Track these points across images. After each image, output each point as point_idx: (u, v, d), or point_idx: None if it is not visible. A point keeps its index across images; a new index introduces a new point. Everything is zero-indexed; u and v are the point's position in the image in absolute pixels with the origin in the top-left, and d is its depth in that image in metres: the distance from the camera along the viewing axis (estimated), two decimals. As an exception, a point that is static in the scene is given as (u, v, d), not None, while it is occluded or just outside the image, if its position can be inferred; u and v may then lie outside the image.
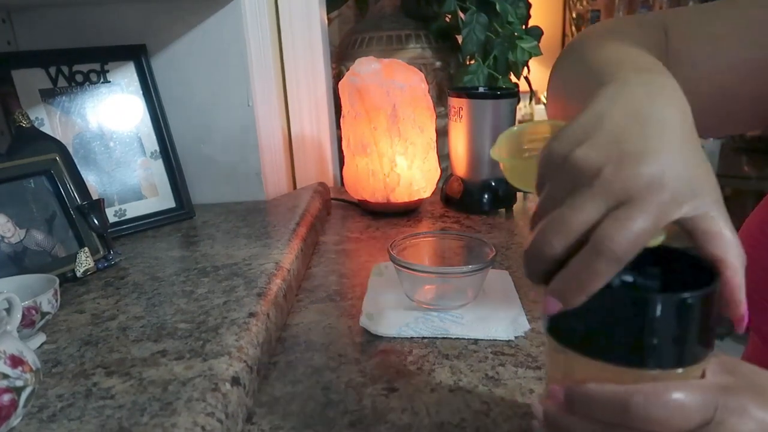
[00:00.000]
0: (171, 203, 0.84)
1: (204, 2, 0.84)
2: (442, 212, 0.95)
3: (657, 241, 0.31)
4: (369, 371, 0.49)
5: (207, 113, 0.89)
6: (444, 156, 1.02)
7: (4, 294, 0.40)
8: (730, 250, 0.29)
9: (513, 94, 0.91)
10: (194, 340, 0.48)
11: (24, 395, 0.36)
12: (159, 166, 0.84)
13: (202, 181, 0.91)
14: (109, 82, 0.81)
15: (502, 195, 0.92)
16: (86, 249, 0.64)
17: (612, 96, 0.33)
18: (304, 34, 1.02)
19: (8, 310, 0.41)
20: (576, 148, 0.30)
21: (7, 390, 0.35)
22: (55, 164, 0.66)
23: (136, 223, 0.80)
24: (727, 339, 1.85)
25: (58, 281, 0.51)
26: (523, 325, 0.55)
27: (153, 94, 0.84)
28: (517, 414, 0.42)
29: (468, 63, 1.40)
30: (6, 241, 0.59)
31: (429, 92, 0.92)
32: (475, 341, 0.53)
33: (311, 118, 1.07)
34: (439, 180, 0.97)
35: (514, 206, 0.95)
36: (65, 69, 0.78)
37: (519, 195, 0.98)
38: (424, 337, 0.54)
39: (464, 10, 1.35)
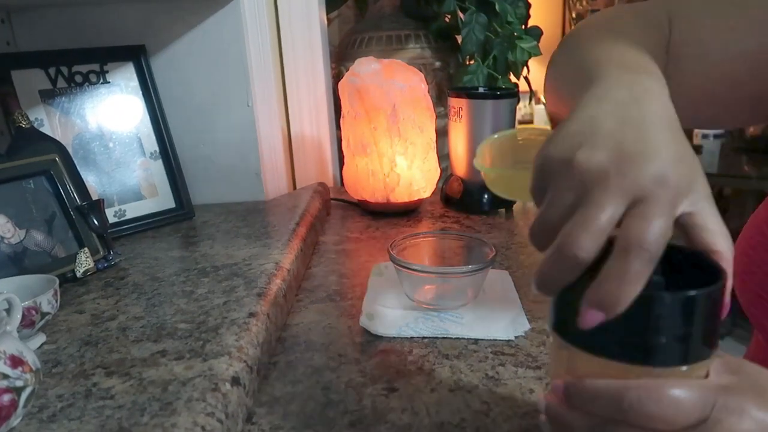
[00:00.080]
0: (171, 203, 0.84)
1: (204, 2, 0.84)
2: (442, 212, 0.95)
3: None
4: (369, 371, 0.49)
5: (207, 113, 0.89)
6: (444, 156, 1.02)
7: (4, 294, 0.40)
8: (724, 242, 0.30)
9: (513, 94, 0.91)
10: (194, 340, 0.48)
11: (24, 395, 0.36)
12: (159, 166, 0.84)
13: (202, 182, 0.91)
14: (109, 82, 0.81)
15: (502, 195, 0.92)
16: (86, 249, 0.64)
17: (598, 99, 0.33)
18: (304, 34, 1.02)
19: (8, 311, 0.41)
20: (576, 151, 0.30)
21: (7, 390, 0.35)
22: (55, 165, 0.66)
23: (136, 224, 0.80)
24: (728, 338, 1.86)
25: (57, 281, 0.51)
26: (523, 325, 0.55)
27: (153, 95, 0.84)
28: (517, 414, 0.42)
29: (468, 63, 1.40)
30: (6, 241, 0.59)
31: (429, 92, 0.92)
32: (475, 341, 0.53)
33: (311, 118, 1.07)
34: (439, 180, 0.97)
35: (514, 206, 0.95)
36: (65, 69, 0.78)
37: (519, 195, 0.98)
38: (424, 337, 0.54)
39: (464, 10, 1.35)
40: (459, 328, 0.55)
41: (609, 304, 0.28)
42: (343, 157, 0.98)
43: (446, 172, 1.01)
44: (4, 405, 0.34)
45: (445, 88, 1.38)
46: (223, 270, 0.63)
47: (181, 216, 0.84)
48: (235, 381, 0.43)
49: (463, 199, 0.93)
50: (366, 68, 0.87)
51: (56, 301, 0.50)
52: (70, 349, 0.48)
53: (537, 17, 1.49)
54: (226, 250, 0.70)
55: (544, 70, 0.53)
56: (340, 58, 1.44)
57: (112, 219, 0.76)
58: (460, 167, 0.94)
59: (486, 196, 0.91)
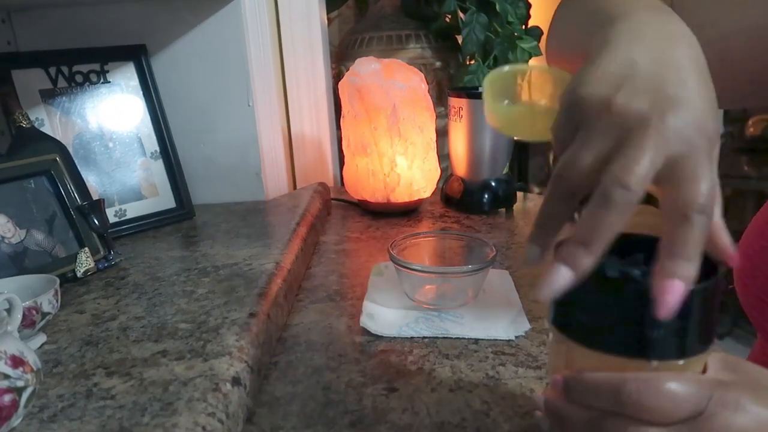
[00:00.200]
0: (171, 203, 0.84)
1: (204, 2, 0.84)
2: (442, 212, 0.95)
3: None
4: (369, 371, 0.49)
5: (207, 113, 0.89)
6: (444, 156, 1.02)
7: (5, 294, 0.40)
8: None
9: (513, 94, 0.91)
10: (195, 340, 0.48)
11: (25, 395, 0.36)
12: (159, 166, 0.84)
13: (202, 181, 0.91)
14: (109, 82, 0.81)
15: (502, 195, 0.92)
16: (86, 249, 0.64)
17: (630, 37, 0.32)
18: (304, 34, 1.02)
19: (9, 311, 0.41)
20: (616, 93, 0.29)
21: (8, 390, 0.35)
22: (55, 164, 0.66)
23: (137, 224, 0.80)
24: (727, 338, 1.86)
25: (58, 281, 0.51)
26: (523, 325, 0.55)
27: (153, 94, 0.84)
28: (518, 414, 0.42)
29: (468, 63, 1.40)
30: (6, 241, 0.59)
31: (429, 92, 0.92)
32: (476, 341, 0.53)
33: (311, 118, 1.07)
34: (439, 180, 0.97)
35: (514, 206, 0.95)
36: (65, 69, 0.78)
37: (519, 195, 0.98)
38: (424, 337, 0.54)
39: (464, 10, 1.35)
40: (459, 328, 0.55)
41: (576, 256, 0.28)
42: (343, 157, 0.98)
43: (446, 172, 1.01)
44: (5, 405, 0.34)
45: (446, 88, 1.39)
46: (224, 270, 0.63)
47: (181, 216, 0.84)
48: (236, 381, 0.43)
49: (464, 199, 0.93)
50: (366, 68, 0.87)
51: (57, 301, 0.51)
52: (71, 349, 0.48)
53: (537, 17, 1.49)
54: (227, 250, 0.70)
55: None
56: (341, 57, 1.44)
57: (112, 219, 0.76)
58: (460, 167, 0.94)
59: (486, 196, 0.92)
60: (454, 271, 0.61)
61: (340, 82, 0.92)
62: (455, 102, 0.92)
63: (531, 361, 0.49)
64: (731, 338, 1.93)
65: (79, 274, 0.63)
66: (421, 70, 0.93)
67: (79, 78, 0.79)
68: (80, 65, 0.79)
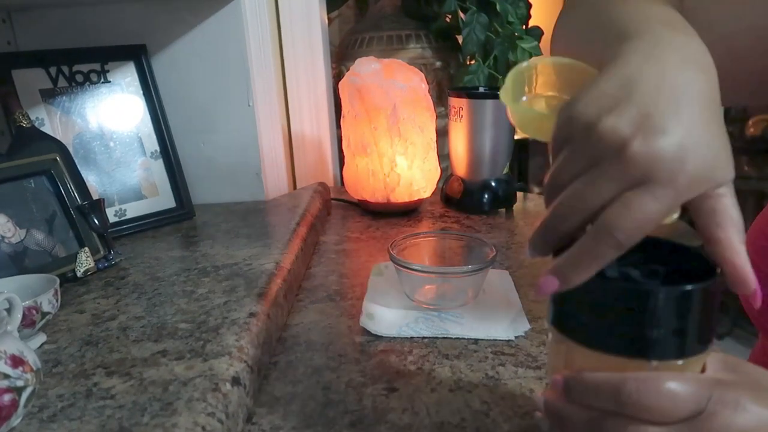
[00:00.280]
0: (171, 203, 0.84)
1: (204, 2, 0.84)
2: (442, 212, 0.95)
3: (671, 219, 0.30)
4: (369, 371, 0.49)
5: (207, 113, 0.89)
6: (444, 156, 1.02)
7: (5, 294, 0.40)
8: (730, 230, 0.29)
9: (513, 94, 0.91)
10: (195, 340, 0.48)
11: (24, 395, 0.36)
12: (159, 166, 0.84)
13: (202, 181, 0.91)
14: (110, 82, 0.81)
15: (502, 195, 0.92)
16: (86, 249, 0.64)
17: (643, 57, 0.31)
18: (304, 34, 1.03)
19: (9, 310, 0.41)
20: (604, 116, 0.29)
21: (8, 390, 0.35)
22: (56, 164, 0.66)
23: (137, 223, 0.80)
24: (727, 339, 1.86)
25: (58, 281, 0.51)
26: (523, 325, 0.55)
27: (153, 94, 0.84)
28: (518, 414, 0.42)
29: (468, 63, 1.40)
30: (6, 241, 0.59)
31: (429, 92, 0.92)
32: (475, 341, 0.53)
33: (311, 118, 1.08)
34: (439, 180, 0.97)
35: (514, 206, 0.95)
36: (65, 69, 0.78)
37: (519, 195, 0.98)
38: (424, 337, 0.54)
39: (464, 10, 1.35)
40: (459, 328, 0.55)
41: (566, 275, 0.30)
42: (343, 157, 0.98)
43: (446, 172, 1.01)
44: (5, 405, 0.35)
45: (446, 88, 1.39)
46: (224, 270, 0.63)
47: (181, 216, 0.84)
48: (236, 381, 0.43)
49: (463, 199, 0.93)
50: (366, 68, 0.87)
51: (57, 301, 0.51)
52: (71, 348, 0.48)
53: (538, 17, 1.50)
54: (227, 249, 0.70)
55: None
56: (341, 57, 1.44)
57: (112, 218, 0.76)
58: (460, 167, 0.94)
59: (486, 196, 0.92)
60: (454, 271, 0.61)
61: (340, 82, 0.92)
62: (455, 102, 0.92)
63: (531, 361, 0.49)
64: (731, 338, 1.93)
65: (79, 274, 0.63)
66: (421, 70, 0.93)
67: (79, 78, 0.79)
68: (80, 65, 0.79)
